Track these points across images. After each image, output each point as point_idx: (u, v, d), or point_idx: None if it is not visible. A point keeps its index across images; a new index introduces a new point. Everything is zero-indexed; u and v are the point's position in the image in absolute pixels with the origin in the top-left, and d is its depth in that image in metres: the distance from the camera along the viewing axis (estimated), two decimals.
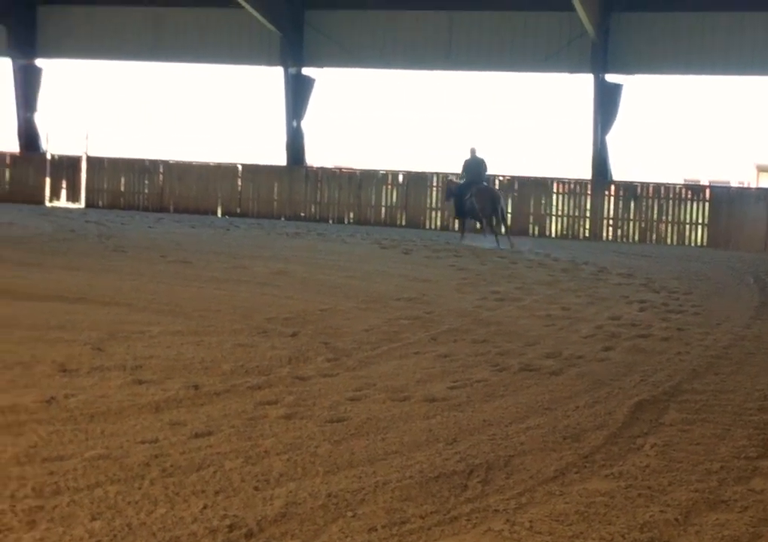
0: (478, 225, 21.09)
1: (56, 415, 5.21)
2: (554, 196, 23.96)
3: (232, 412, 5.52)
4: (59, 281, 10.70)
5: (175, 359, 6.84)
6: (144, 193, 26.85)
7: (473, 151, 20.99)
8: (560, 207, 23.83)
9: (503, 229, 20.50)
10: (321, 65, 25.68)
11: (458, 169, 21.26)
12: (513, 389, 6.50)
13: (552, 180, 24.20)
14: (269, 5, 24.60)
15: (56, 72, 28.08)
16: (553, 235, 23.72)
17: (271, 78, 26.22)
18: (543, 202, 23.92)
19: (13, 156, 28.00)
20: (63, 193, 27.42)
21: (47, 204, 27.02)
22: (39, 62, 27.54)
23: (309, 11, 25.24)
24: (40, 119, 27.84)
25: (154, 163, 27.03)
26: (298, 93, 25.46)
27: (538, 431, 5.44)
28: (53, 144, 27.87)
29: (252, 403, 5.75)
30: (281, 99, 25.75)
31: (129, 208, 26.42)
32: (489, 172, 21.29)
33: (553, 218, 23.97)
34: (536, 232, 23.82)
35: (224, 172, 26.43)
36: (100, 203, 26.94)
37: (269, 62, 25.65)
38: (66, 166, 27.49)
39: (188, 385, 6.05)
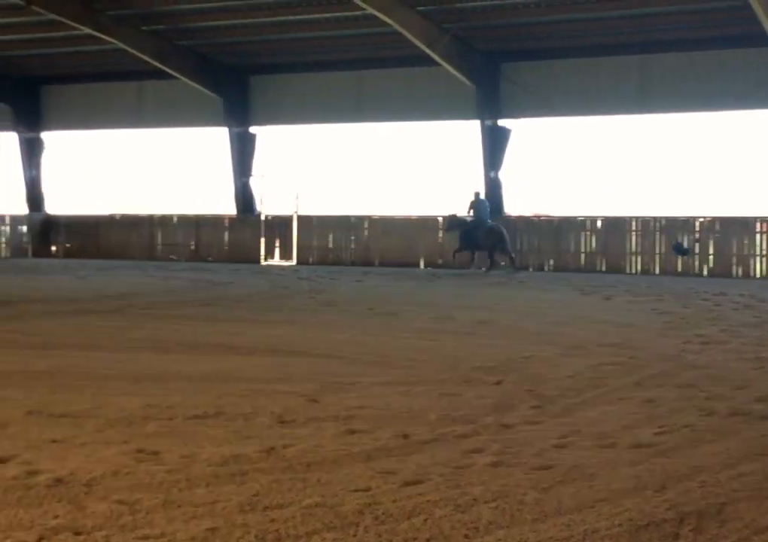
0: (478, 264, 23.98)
1: (276, 464, 5.36)
2: (757, 236, 23.06)
3: (440, 460, 5.53)
4: (275, 336, 11.07)
5: (385, 409, 6.94)
6: (350, 248, 27.50)
7: (477, 194, 24.45)
8: (765, 246, 22.90)
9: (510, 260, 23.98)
10: (517, 116, 25.74)
11: (464, 210, 24.40)
12: (723, 434, 6.25)
13: (755, 219, 23.31)
14: (466, 61, 24.92)
15: (268, 137, 29.25)
16: (758, 275, 22.79)
17: (467, 131, 26.48)
18: (746, 242, 23.07)
19: (231, 218, 29.27)
20: (277, 251, 28.42)
21: (263, 263, 28.04)
22: (253, 129, 28.81)
23: (505, 64, 25.39)
24: (255, 182, 29.06)
25: (360, 219, 27.68)
26: (495, 144, 25.58)
27: (751, 478, 5.21)
28: (267, 206, 28.99)
29: (459, 451, 5.75)
30: (477, 151, 25.94)
31: (337, 263, 27.12)
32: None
33: (757, 258, 23.05)
34: (739, 273, 22.96)
35: (425, 224, 26.76)
36: (310, 260, 27.75)
37: (466, 115, 25.91)
38: (279, 226, 28.51)
39: (398, 434, 6.12)
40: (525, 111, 25.49)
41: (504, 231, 23.85)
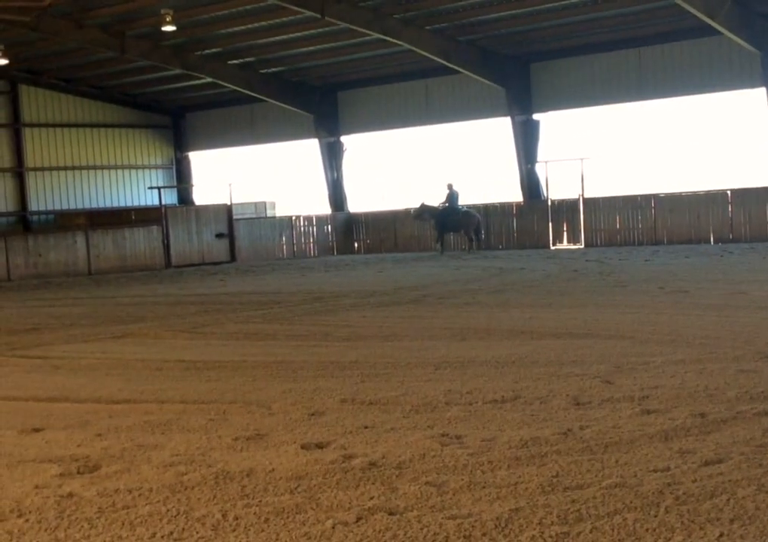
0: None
1: (573, 446, 5.36)
2: None
3: (740, 439, 5.33)
4: (567, 318, 11.01)
5: (680, 388, 6.76)
6: (638, 228, 26.83)
7: (450, 186, 27.58)
8: None
9: (477, 242, 27.63)
10: None
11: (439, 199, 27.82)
12: None
13: None
14: (748, 27, 23.60)
15: (552, 124, 29.02)
16: None
17: (751, 100, 25.15)
18: None
19: (518, 205, 29.32)
20: (564, 235, 28.19)
21: (551, 247, 27.89)
22: (536, 116, 28.70)
23: None
24: (540, 168, 28.96)
25: (646, 198, 26.94)
26: None
27: None
28: (552, 191, 28.78)
29: (760, 429, 5.51)
30: (764, 120, 24.54)
31: (625, 244, 26.55)
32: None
33: None
34: None
35: (714, 199, 25.66)
36: (598, 242, 27.32)
37: (752, 84, 24.59)
38: (566, 210, 28.25)
39: (694, 413, 5.95)
40: None
41: (479, 216, 27.59)
